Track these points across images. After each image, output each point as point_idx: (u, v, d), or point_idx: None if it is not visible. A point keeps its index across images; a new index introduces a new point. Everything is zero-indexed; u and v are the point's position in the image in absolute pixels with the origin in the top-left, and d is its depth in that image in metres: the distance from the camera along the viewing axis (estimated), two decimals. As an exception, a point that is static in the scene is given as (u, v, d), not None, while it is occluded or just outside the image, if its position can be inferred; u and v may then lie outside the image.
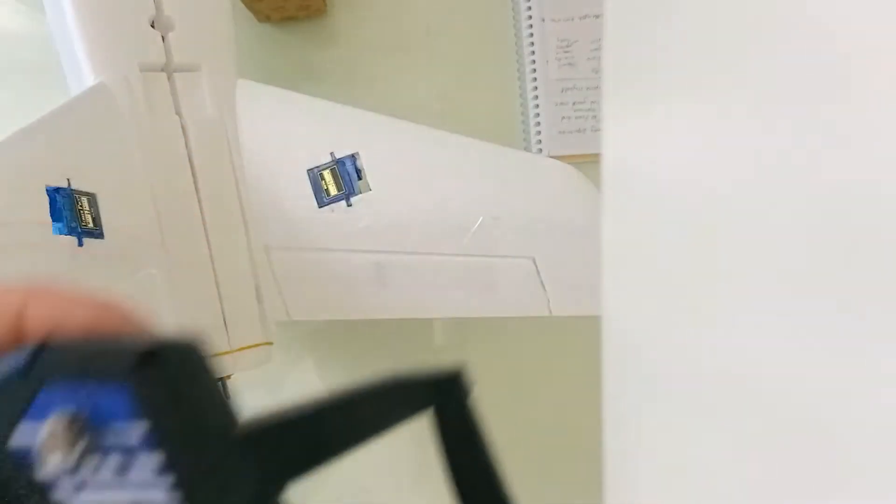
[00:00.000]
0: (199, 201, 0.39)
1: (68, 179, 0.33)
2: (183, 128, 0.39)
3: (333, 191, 0.40)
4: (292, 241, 0.41)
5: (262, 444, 0.15)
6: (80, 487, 0.13)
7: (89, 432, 0.13)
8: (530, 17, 0.54)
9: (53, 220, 0.32)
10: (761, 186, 0.17)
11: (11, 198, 0.31)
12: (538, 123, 0.54)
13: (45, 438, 0.13)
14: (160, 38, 0.39)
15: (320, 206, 0.41)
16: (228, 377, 0.40)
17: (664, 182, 0.21)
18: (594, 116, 0.54)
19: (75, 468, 0.13)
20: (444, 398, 0.21)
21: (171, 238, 0.38)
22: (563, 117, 0.54)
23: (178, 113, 0.39)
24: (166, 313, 0.37)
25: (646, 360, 0.22)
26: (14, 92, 0.58)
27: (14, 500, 0.13)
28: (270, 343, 0.42)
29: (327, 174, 0.40)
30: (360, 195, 0.40)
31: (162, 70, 0.39)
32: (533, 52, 0.54)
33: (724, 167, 0.19)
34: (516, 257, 0.40)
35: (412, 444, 0.57)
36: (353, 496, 0.57)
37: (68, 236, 0.32)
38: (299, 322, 0.43)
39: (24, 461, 0.13)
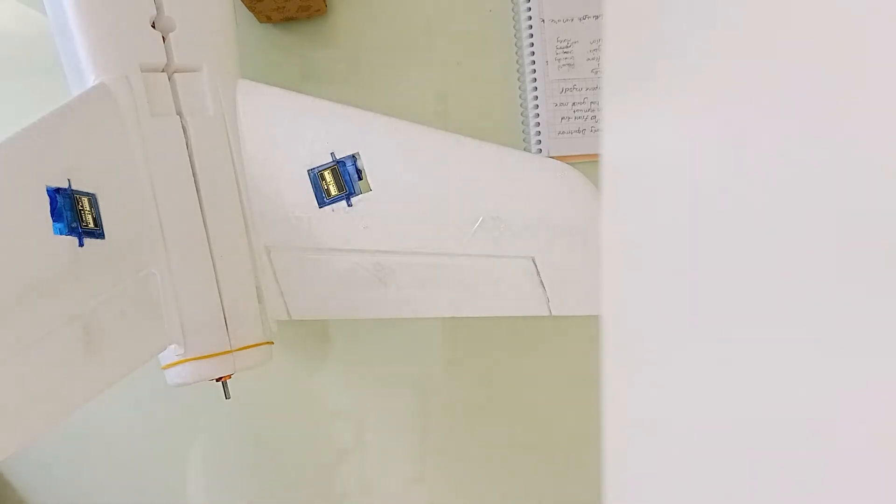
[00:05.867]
0: (200, 201, 0.39)
1: (69, 179, 0.33)
2: (184, 128, 0.39)
3: (334, 191, 0.40)
4: (293, 241, 0.41)
5: None
6: None
7: None
8: (530, 18, 0.54)
9: (54, 220, 0.32)
10: (761, 186, 0.18)
11: (11, 198, 0.31)
12: (538, 123, 0.54)
13: None
14: (161, 39, 0.39)
15: (321, 206, 0.41)
16: (229, 377, 0.40)
17: (664, 182, 0.21)
18: (594, 117, 0.55)
19: None
20: None
21: (172, 238, 0.38)
22: (563, 118, 0.54)
23: (179, 113, 0.39)
24: (167, 313, 0.38)
25: (645, 360, 0.22)
26: (14, 92, 0.58)
27: None
28: (271, 342, 0.42)
29: (328, 174, 0.40)
30: (360, 195, 0.40)
31: (163, 70, 0.39)
32: (533, 53, 0.54)
33: (724, 167, 0.19)
34: (516, 257, 0.40)
35: (412, 443, 0.57)
36: (353, 494, 0.57)
37: (69, 236, 0.32)
38: (300, 322, 0.43)
39: None
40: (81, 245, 0.33)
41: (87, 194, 0.34)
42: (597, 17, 0.54)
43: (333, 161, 0.40)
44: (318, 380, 0.58)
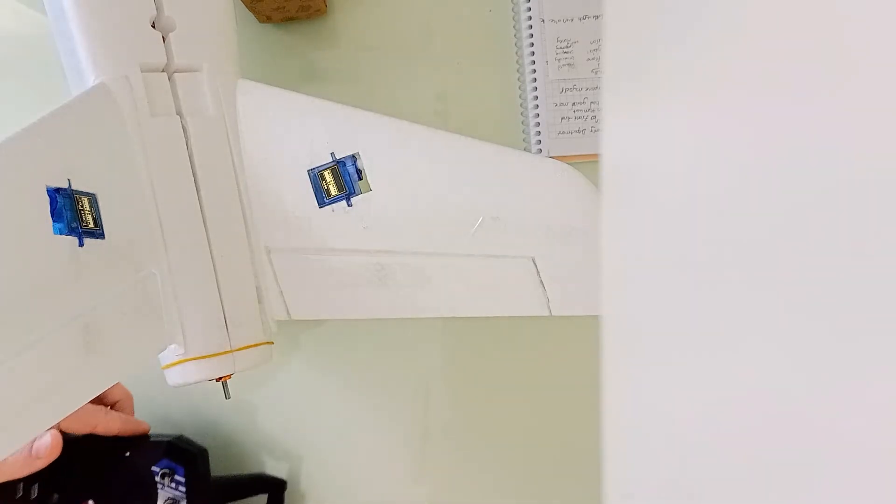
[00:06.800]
0: (200, 201, 0.39)
1: (69, 179, 0.33)
2: (184, 128, 0.39)
3: (334, 191, 0.40)
4: (293, 241, 0.41)
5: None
6: None
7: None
8: (530, 18, 0.54)
9: (54, 220, 0.32)
10: (761, 187, 0.18)
11: (11, 198, 0.31)
12: (538, 123, 0.54)
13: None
14: (161, 39, 0.39)
15: (321, 207, 0.41)
16: (229, 377, 0.40)
17: (664, 182, 0.21)
18: (594, 117, 0.55)
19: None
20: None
21: (172, 238, 0.38)
22: (563, 118, 0.54)
23: (179, 113, 0.39)
24: (167, 313, 0.38)
25: (645, 360, 0.22)
26: (14, 92, 0.58)
27: None
28: (271, 343, 0.42)
29: (328, 174, 0.40)
30: (360, 195, 0.40)
31: (163, 70, 0.39)
32: (533, 53, 0.54)
33: (724, 167, 0.19)
34: (516, 257, 0.40)
35: (412, 443, 0.57)
36: (352, 492, 0.57)
37: (69, 236, 0.32)
38: (300, 322, 0.43)
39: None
40: (81, 245, 0.33)
41: (87, 194, 0.34)
42: (597, 17, 0.54)
43: (333, 161, 0.40)
44: (317, 380, 0.58)
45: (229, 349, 0.39)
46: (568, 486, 0.56)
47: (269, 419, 0.57)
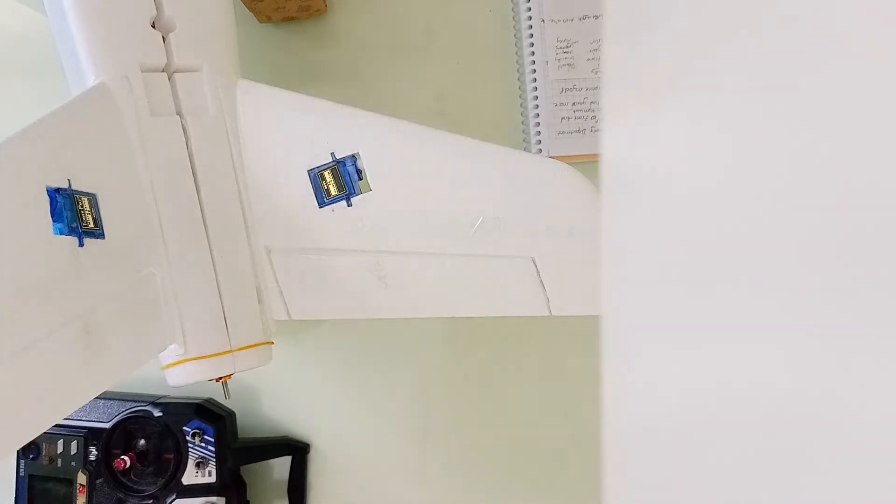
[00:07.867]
0: (200, 201, 0.39)
1: (69, 180, 0.33)
2: (184, 128, 0.39)
3: (334, 191, 0.40)
4: (293, 241, 0.41)
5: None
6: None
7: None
8: (530, 18, 0.54)
9: (54, 220, 0.32)
10: (762, 186, 0.18)
11: (11, 198, 0.31)
12: (538, 124, 0.54)
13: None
14: (161, 39, 0.39)
15: (321, 207, 0.41)
16: (229, 377, 0.40)
17: (664, 182, 0.21)
18: (594, 117, 0.55)
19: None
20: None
21: (172, 238, 0.38)
22: (563, 118, 0.54)
23: (179, 113, 0.39)
24: (167, 313, 0.38)
25: (645, 360, 0.22)
26: (14, 92, 0.58)
27: None
28: (271, 342, 0.42)
29: (328, 174, 0.40)
30: (360, 195, 0.40)
31: (163, 70, 0.39)
32: (533, 53, 0.54)
33: (725, 167, 0.19)
34: (516, 257, 0.40)
35: (412, 443, 0.57)
36: (351, 494, 0.57)
37: (69, 236, 0.32)
38: (299, 321, 0.43)
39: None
40: (81, 245, 0.33)
41: (87, 194, 0.34)
42: (597, 17, 0.54)
43: (333, 161, 0.40)
44: (318, 380, 0.58)
45: (229, 349, 0.39)
46: (568, 486, 0.56)
47: (266, 418, 0.57)
